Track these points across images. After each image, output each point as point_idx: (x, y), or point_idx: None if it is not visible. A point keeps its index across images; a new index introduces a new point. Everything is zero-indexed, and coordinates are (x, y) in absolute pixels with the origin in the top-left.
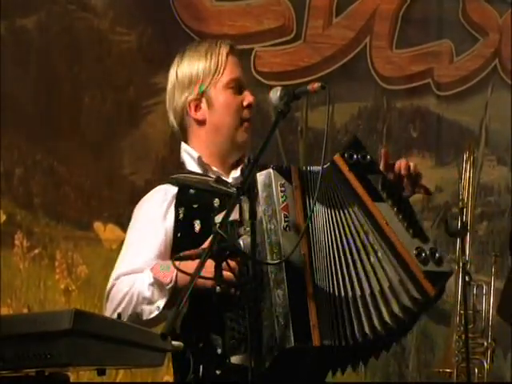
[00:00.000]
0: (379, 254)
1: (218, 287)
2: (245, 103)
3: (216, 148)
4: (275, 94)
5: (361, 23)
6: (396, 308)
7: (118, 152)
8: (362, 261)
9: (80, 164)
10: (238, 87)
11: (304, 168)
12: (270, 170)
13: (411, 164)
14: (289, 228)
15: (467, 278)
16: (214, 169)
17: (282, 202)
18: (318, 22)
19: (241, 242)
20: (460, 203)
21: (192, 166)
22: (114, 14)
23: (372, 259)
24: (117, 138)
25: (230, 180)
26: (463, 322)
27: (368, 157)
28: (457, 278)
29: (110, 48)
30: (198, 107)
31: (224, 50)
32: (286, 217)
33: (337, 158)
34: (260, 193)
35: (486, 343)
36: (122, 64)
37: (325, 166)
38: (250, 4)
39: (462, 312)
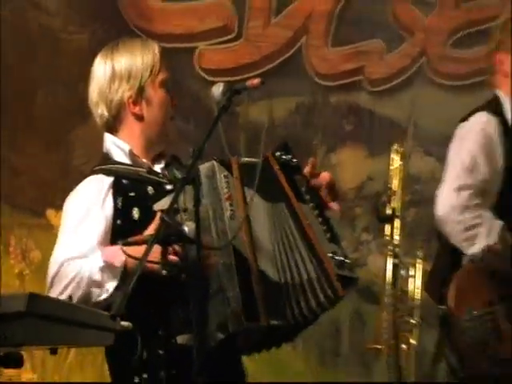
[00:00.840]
0: (302, 251)
1: (164, 271)
2: (173, 102)
3: (146, 141)
4: (217, 90)
5: (298, 23)
6: (312, 301)
7: (69, 144)
8: (292, 252)
9: (34, 155)
10: (168, 87)
11: (242, 160)
12: (214, 162)
13: (332, 178)
14: (233, 216)
15: (396, 261)
16: (144, 160)
17: (226, 193)
18: (257, 22)
19: (185, 229)
20: (389, 192)
21: (120, 157)
22: (66, 13)
23: (296, 255)
24: (68, 131)
25: (159, 170)
26: (392, 301)
27: (295, 160)
28: (387, 261)
29: (62, 46)
30: (136, 102)
31: (157, 50)
32: (230, 205)
33: (269, 155)
34: (204, 183)
35: (413, 321)
36: (73, 61)
37: (256, 160)
38: (193, 5)
39: (391, 292)
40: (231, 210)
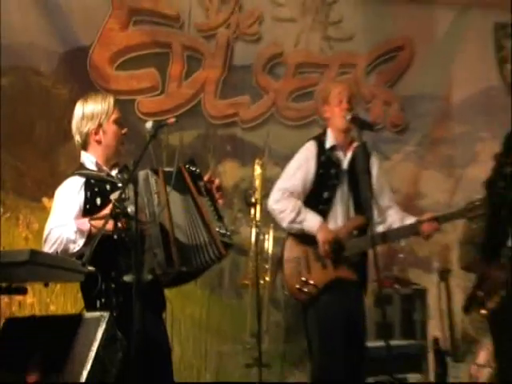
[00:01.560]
0: (200, 226)
1: (115, 235)
2: (123, 132)
3: (106, 157)
4: (149, 125)
5: (198, 85)
6: (207, 256)
7: (57, 157)
8: (195, 226)
9: (33, 163)
10: (120, 122)
11: (166, 169)
12: (148, 170)
13: (220, 182)
14: (159, 204)
15: (257, 230)
16: (104, 168)
17: (155, 189)
18: (174, 84)
19: (128, 210)
20: (254, 188)
21: (90, 165)
22: (56, 76)
23: (197, 228)
24: (56, 149)
25: (114, 175)
26: (255, 254)
27: (198, 171)
28: (252, 230)
29: (52, 96)
30: (97, 133)
31: (112, 100)
32: (157, 197)
33: (182, 166)
34: (141, 183)
35: (267, 266)
36: (59, 106)
37: (176, 168)
38: (134, 73)
39: (254, 249)
40: (158, 200)
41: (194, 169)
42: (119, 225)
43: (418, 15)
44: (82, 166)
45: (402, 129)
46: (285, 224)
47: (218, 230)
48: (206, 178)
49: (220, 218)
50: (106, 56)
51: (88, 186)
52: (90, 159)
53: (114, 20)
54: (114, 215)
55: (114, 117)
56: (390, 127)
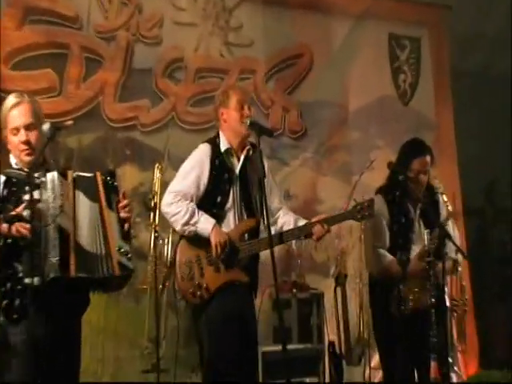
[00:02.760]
0: (102, 239)
1: (9, 239)
2: (22, 140)
3: (19, 159)
4: (46, 127)
5: (97, 87)
6: (104, 270)
7: None
8: (98, 237)
9: None
10: (17, 131)
11: (77, 173)
12: (55, 173)
13: (129, 201)
14: (62, 207)
15: (156, 234)
16: (25, 169)
17: (60, 192)
18: (72, 86)
19: (24, 213)
20: (153, 192)
21: (14, 166)
22: None
23: (98, 240)
24: None
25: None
26: (153, 259)
27: (115, 184)
28: (150, 234)
29: None
30: (6, 143)
31: (7, 107)
32: (61, 200)
33: (98, 174)
34: (48, 185)
35: (166, 270)
36: None
37: (88, 175)
38: (31, 73)
39: (153, 253)
40: (61, 203)
41: (110, 180)
42: (13, 228)
43: (316, 24)
44: (8, 166)
45: (301, 135)
46: (178, 227)
47: (118, 249)
48: (121, 195)
49: (125, 239)
50: (1, 55)
51: (8, 184)
52: (13, 160)
53: (8, 18)
54: (7, 219)
55: (11, 126)
56: (289, 133)
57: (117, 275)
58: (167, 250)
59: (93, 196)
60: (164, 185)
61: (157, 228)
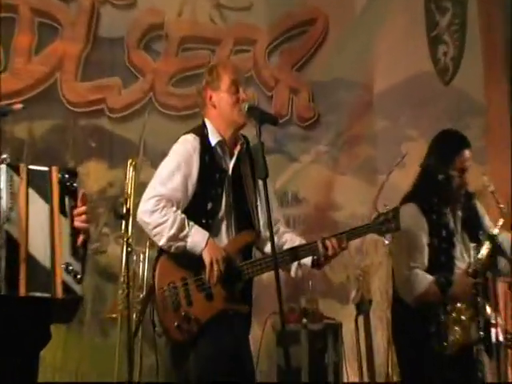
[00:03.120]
0: (47, 250)
1: None
2: None
3: None
4: None
5: (54, 61)
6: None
7: None
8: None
9: None
10: None
11: (30, 167)
12: (3, 165)
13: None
14: (12, 208)
15: (129, 249)
16: None
17: (10, 189)
18: (20, 59)
19: None
20: (125, 195)
21: None
22: None
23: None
24: None
25: None
26: (126, 280)
27: (75, 185)
28: (122, 249)
29: None
30: None
31: None
32: (11, 199)
33: (54, 169)
34: None
35: (141, 295)
36: None
37: (43, 169)
38: None
39: (125, 273)
40: (11, 203)
41: (68, 181)
42: None
43: None
44: None
45: (312, 123)
46: (162, 241)
47: (64, 266)
48: (80, 197)
49: (76, 253)
50: None
51: None
52: None
53: None
54: None
55: None
56: (298, 121)
57: (59, 298)
58: (143, 270)
59: (45, 195)
60: (140, 186)
61: (130, 241)
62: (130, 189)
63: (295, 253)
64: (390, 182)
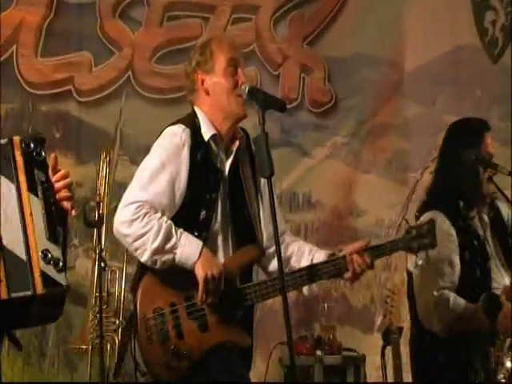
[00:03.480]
0: (22, 237)
1: None
2: None
3: None
4: None
5: (7, 32)
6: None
7: None
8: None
9: None
10: None
11: None
12: None
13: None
14: None
15: (102, 264)
16: None
17: None
18: None
19: None
20: (97, 198)
21: None
22: None
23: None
24: None
25: None
26: (98, 303)
27: (43, 154)
28: (93, 264)
29: None
30: None
31: None
32: None
33: (16, 139)
34: None
35: (117, 321)
36: None
37: (3, 141)
38: None
39: (97, 294)
40: None
41: (35, 150)
42: None
43: None
44: None
45: (329, 109)
46: (145, 256)
47: (42, 254)
48: (50, 164)
49: (53, 236)
50: None
51: None
52: None
53: None
54: None
55: None
56: (310, 106)
57: (40, 293)
58: (119, 290)
59: (9, 174)
60: (115, 186)
61: (103, 254)
62: (103, 190)
63: (314, 272)
64: (423, 182)
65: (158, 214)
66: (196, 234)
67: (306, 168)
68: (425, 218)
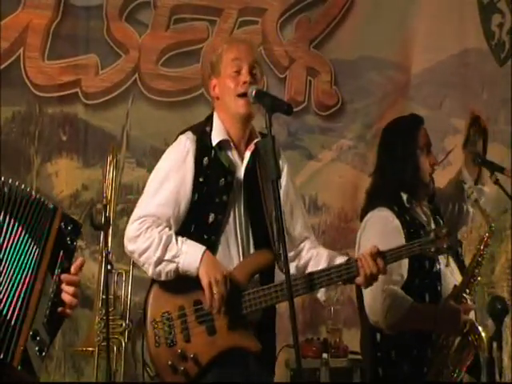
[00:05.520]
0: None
1: None
2: None
3: None
4: None
5: (15, 35)
6: None
7: None
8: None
9: None
10: None
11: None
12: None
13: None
14: None
15: (109, 267)
16: None
17: None
18: None
19: None
20: (104, 200)
21: None
22: None
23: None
24: None
25: None
26: (105, 305)
27: (75, 244)
28: (100, 267)
29: None
30: None
31: None
32: None
33: (60, 211)
34: None
35: (124, 324)
36: None
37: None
38: None
39: (103, 297)
40: None
41: (71, 233)
42: None
43: None
44: None
45: (336, 111)
46: (151, 270)
47: (32, 333)
48: (75, 264)
49: (49, 324)
50: None
51: None
52: None
53: None
54: None
55: None
56: (317, 109)
57: (14, 365)
58: (126, 293)
59: (38, 238)
60: (122, 188)
61: (110, 257)
62: (109, 192)
63: (325, 275)
64: None
65: (160, 227)
66: (205, 237)
67: (313, 171)
68: (370, 215)
